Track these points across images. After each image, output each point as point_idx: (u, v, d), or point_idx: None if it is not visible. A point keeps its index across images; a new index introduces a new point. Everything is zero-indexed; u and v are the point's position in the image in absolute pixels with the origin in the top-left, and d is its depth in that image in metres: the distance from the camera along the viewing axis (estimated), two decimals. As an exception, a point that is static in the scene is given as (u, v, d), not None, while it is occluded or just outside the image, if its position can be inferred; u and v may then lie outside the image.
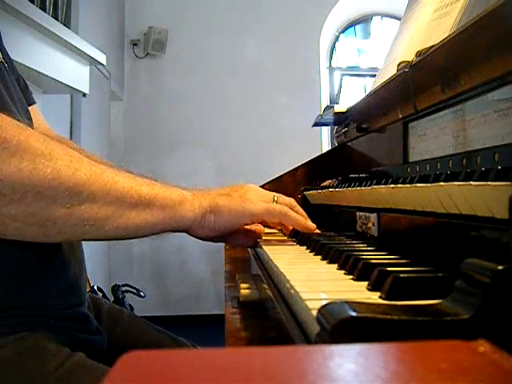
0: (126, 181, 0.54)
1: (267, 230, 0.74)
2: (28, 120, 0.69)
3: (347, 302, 0.26)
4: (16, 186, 0.45)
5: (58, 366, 0.52)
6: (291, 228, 0.73)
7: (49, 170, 0.46)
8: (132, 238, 0.58)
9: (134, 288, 2.76)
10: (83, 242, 0.70)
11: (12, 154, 0.45)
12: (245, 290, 0.70)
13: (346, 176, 0.89)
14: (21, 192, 0.45)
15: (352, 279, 0.40)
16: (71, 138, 2.25)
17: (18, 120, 0.49)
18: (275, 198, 0.68)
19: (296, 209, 0.69)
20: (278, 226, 0.77)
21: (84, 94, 2.08)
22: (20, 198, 0.46)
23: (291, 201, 0.70)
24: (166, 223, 0.58)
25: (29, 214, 0.47)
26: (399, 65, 0.69)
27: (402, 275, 0.33)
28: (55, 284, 0.60)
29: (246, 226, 0.68)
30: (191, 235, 0.63)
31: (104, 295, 2.22)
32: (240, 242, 0.69)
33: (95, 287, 2.24)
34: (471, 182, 0.37)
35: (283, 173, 1.20)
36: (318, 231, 0.70)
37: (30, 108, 0.79)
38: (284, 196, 0.70)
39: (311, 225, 0.69)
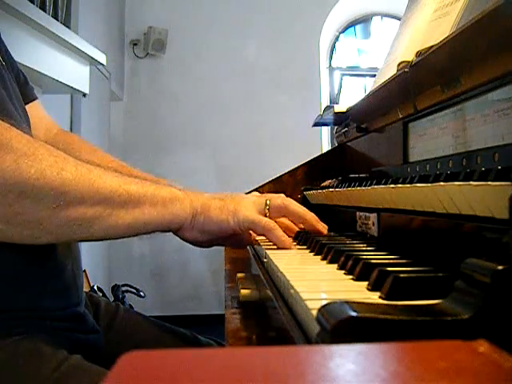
0: (114, 179, 0.53)
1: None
2: (25, 119, 0.69)
3: (347, 302, 0.26)
4: None
5: (55, 369, 0.52)
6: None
7: (33, 171, 0.46)
8: (123, 238, 0.57)
9: (134, 288, 2.76)
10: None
11: None
12: (245, 289, 0.70)
13: (346, 176, 0.89)
14: (3, 192, 0.45)
15: (352, 279, 0.40)
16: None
17: (15, 119, 0.49)
18: (267, 203, 0.65)
19: (291, 207, 0.66)
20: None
21: (84, 94, 2.08)
22: (2, 198, 0.45)
23: (281, 207, 0.66)
24: (158, 222, 0.56)
25: (13, 215, 0.46)
26: (399, 65, 0.69)
27: (402, 275, 0.33)
28: (52, 284, 0.60)
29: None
30: (179, 236, 0.62)
31: (104, 295, 2.22)
32: (229, 244, 0.68)
33: (95, 287, 2.24)
34: (471, 182, 0.37)
35: (283, 173, 1.20)
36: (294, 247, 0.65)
37: (31, 104, 0.79)
38: (276, 196, 0.67)
39: (288, 242, 0.63)
